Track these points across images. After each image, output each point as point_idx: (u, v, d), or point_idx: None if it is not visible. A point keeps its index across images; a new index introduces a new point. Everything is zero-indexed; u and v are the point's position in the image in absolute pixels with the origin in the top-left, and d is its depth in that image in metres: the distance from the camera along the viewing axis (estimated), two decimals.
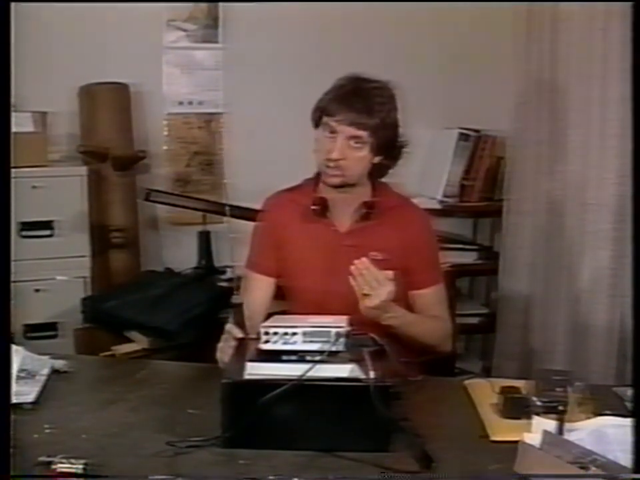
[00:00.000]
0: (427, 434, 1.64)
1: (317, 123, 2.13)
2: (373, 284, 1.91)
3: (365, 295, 1.92)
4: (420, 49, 3.63)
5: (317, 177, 2.21)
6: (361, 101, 2.06)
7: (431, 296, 2.19)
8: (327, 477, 1.51)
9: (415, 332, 2.09)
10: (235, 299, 1.88)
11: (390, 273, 1.93)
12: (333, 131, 2.07)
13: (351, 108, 2.05)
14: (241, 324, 1.85)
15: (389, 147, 2.12)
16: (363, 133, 2.05)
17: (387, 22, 3.54)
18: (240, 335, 1.84)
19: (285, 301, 2.28)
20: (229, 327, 1.88)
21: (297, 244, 2.20)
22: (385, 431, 1.61)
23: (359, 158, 2.08)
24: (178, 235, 3.54)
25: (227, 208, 2.89)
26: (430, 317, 2.17)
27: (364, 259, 1.92)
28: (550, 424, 1.61)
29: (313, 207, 2.17)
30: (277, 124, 3.42)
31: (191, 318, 2.89)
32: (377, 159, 2.12)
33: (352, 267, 1.91)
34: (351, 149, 2.06)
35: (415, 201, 2.33)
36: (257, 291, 2.22)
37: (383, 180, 2.23)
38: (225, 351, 1.88)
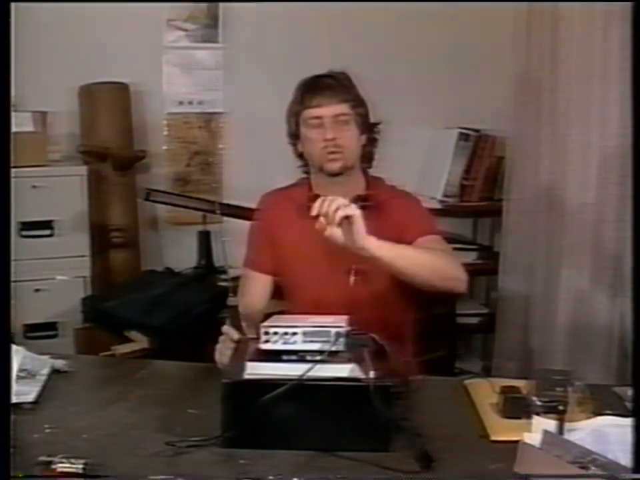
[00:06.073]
0: (427, 434, 1.64)
1: (296, 132, 2.18)
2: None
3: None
4: (420, 49, 3.63)
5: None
6: (329, 81, 2.14)
7: (429, 243, 2.09)
8: (327, 477, 1.51)
9: (411, 263, 1.94)
10: (230, 301, 1.87)
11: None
12: (318, 118, 2.11)
13: (325, 89, 2.12)
14: (237, 325, 1.85)
15: (369, 124, 2.19)
16: (345, 107, 2.12)
17: (388, 22, 3.54)
18: (237, 336, 1.85)
19: (283, 300, 2.28)
20: (226, 328, 1.89)
21: (293, 241, 2.21)
22: (385, 431, 1.61)
23: (350, 136, 2.14)
24: (178, 235, 3.54)
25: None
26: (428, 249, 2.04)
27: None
28: (550, 424, 1.61)
29: (308, 204, 2.17)
30: (277, 124, 3.41)
31: (191, 318, 2.89)
32: (363, 139, 2.18)
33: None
34: (340, 127, 2.12)
35: None
36: (255, 288, 2.23)
37: (379, 176, 2.26)
38: (222, 352, 1.89)
